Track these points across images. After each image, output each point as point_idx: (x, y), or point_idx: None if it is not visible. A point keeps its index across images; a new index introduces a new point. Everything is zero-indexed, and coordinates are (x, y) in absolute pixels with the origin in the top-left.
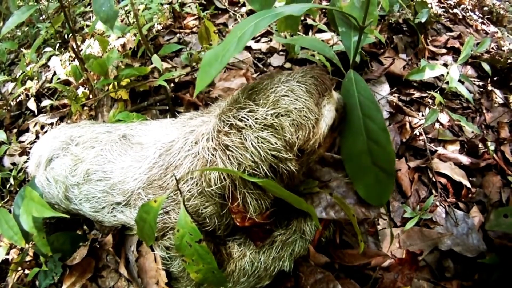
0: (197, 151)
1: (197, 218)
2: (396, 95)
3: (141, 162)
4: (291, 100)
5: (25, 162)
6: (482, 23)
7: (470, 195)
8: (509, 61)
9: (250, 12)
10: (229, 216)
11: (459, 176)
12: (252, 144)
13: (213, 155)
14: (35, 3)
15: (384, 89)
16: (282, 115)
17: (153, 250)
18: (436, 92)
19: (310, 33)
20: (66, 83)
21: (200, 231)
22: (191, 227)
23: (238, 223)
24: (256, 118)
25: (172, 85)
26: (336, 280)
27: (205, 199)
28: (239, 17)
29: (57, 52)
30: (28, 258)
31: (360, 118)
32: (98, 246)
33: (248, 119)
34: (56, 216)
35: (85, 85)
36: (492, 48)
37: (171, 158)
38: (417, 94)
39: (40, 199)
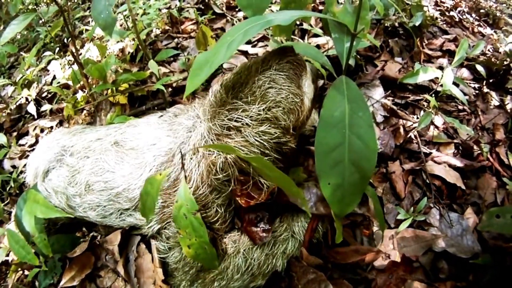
0: (199, 159)
1: (202, 209)
2: (391, 98)
3: (141, 169)
4: (277, 91)
5: (24, 165)
6: (479, 25)
7: (464, 197)
8: (505, 63)
9: (247, 17)
10: (232, 204)
11: (453, 178)
12: (255, 139)
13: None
14: (35, 7)
15: (378, 93)
16: (273, 107)
17: (150, 251)
18: (431, 95)
19: (306, 37)
20: (66, 87)
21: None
22: (189, 199)
23: (243, 205)
24: (251, 116)
25: (170, 89)
26: (328, 281)
27: (216, 193)
28: (236, 21)
29: (56, 56)
30: None
31: (346, 113)
32: (98, 243)
33: (243, 119)
34: (61, 220)
35: (84, 89)
36: (489, 50)
37: (178, 172)
38: (412, 97)
39: (45, 201)
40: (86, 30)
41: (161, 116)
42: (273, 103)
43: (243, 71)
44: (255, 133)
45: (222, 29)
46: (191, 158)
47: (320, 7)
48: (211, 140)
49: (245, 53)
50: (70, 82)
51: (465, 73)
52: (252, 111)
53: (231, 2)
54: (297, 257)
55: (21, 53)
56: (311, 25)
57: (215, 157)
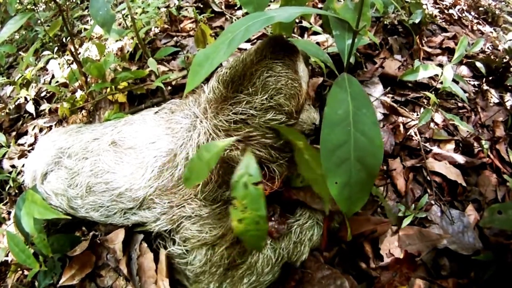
0: None
1: (212, 203)
2: (390, 95)
3: (142, 169)
4: (276, 79)
5: (23, 165)
6: (478, 23)
7: (465, 194)
8: (504, 60)
9: (246, 15)
10: None
11: (454, 175)
12: (264, 128)
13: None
14: (33, 7)
15: (377, 90)
16: (275, 95)
17: (151, 250)
18: (431, 92)
19: (305, 35)
20: (65, 86)
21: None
22: (254, 168)
23: None
24: (255, 107)
25: (169, 88)
26: (343, 277)
27: (225, 187)
28: (235, 20)
29: (55, 56)
30: None
31: (350, 111)
32: (98, 242)
33: (248, 110)
34: (62, 221)
35: (83, 88)
36: (488, 48)
37: (181, 171)
38: (412, 95)
39: (42, 201)
40: (85, 29)
41: (157, 112)
42: (275, 90)
43: (238, 64)
44: (263, 122)
45: (221, 28)
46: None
47: (319, 5)
48: (221, 137)
49: (244, 51)
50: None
51: (464, 70)
52: (256, 102)
53: (230, 0)
54: (311, 253)
55: (20, 53)
56: (310, 23)
57: (233, 153)
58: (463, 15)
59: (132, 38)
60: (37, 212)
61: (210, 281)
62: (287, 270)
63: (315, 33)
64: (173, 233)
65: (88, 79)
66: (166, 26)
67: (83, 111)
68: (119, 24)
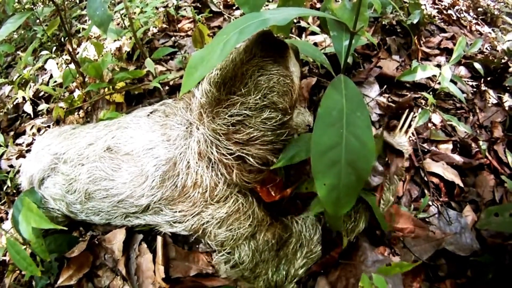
0: (211, 161)
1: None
2: (387, 95)
3: (143, 177)
4: (268, 77)
5: (20, 166)
6: (477, 23)
7: (462, 195)
8: (502, 61)
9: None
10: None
11: (451, 175)
12: (262, 127)
13: (233, 153)
14: (32, 6)
15: (374, 90)
16: (268, 93)
17: (151, 250)
18: (429, 93)
19: (303, 35)
20: (63, 86)
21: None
22: None
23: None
24: (250, 108)
25: (166, 88)
26: None
27: (233, 185)
28: (233, 19)
29: (53, 55)
30: None
31: (344, 113)
32: (96, 242)
33: (243, 111)
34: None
35: (79, 88)
36: (486, 48)
37: (184, 180)
38: (409, 95)
39: (38, 210)
40: (83, 29)
41: (150, 115)
42: (267, 89)
43: (228, 64)
44: (260, 122)
45: (219, 28)
46: (197, 164)
47: (318, 5)
48: (222, 141)
49: None
50: None
51: (462, 71)
52: (250, 102)
53: (228, 0)
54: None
55: (18, 52)
56: (308, 23)
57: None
58: (462, 15)
59: (130, 38)
60: (33, 220)
61: (267, 268)
62: (330, 241)
63: (313, 33)
64: (202, 238)
65: (86, 79)
66: (164, 26)
67: (81, 111)
68: (117, 24)
